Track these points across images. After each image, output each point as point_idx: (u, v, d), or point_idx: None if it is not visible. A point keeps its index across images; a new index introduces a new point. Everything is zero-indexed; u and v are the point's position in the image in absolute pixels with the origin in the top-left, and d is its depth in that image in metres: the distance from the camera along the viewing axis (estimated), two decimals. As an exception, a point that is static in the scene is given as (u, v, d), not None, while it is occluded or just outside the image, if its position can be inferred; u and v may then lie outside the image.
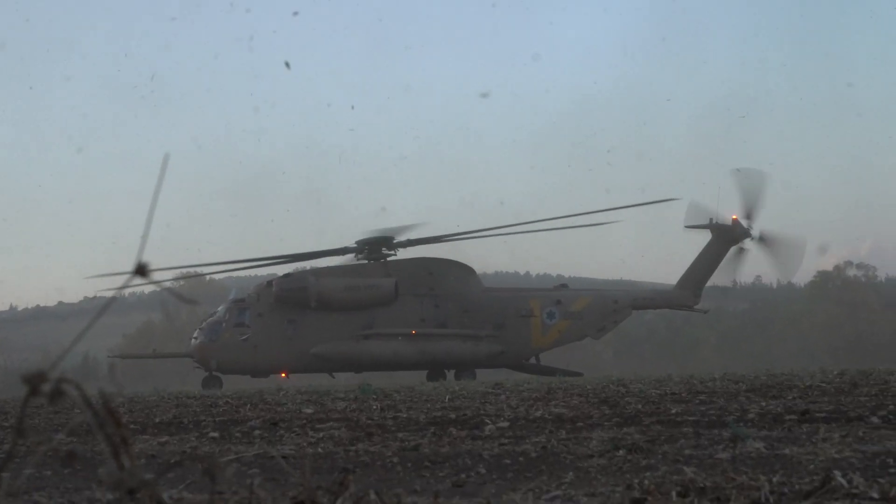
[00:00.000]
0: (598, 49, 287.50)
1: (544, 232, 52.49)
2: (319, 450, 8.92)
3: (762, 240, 51.63)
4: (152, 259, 2.51)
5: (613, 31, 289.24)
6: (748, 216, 51.43)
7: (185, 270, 54.84)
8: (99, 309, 2.71)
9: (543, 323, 51.75)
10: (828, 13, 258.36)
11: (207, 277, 70.84)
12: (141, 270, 2.40)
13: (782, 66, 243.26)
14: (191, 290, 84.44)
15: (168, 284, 48.30)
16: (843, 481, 5.39)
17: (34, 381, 2.29)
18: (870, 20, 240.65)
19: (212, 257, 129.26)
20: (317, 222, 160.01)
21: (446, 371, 51.08)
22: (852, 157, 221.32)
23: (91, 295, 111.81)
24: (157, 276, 2.58)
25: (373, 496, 3.11)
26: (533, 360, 52.19)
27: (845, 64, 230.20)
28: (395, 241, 51.79)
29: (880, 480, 5.58)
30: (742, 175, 51.84)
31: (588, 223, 51.62)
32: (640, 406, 13.35)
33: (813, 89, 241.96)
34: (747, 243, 51.67)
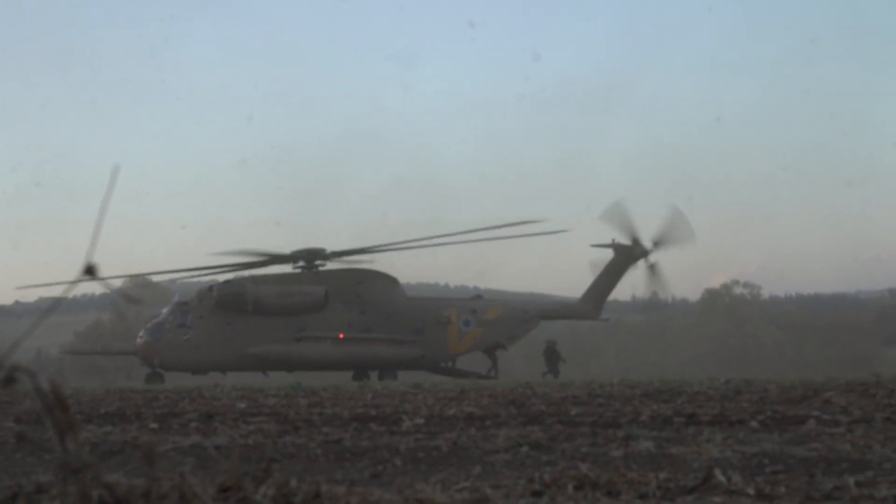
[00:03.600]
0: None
1: (460, 245, 52.38)
2: (250, 441, 8.88)
3: (653, 264, 51.99)
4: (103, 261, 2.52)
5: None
6: (637, 239, 51.80)
7: (135, 278, 54.14)
8: (50, 305, 2.70)
9: (460, 330, 51.86)
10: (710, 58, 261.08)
11: (153, 280, 69.88)
12: (90, 270, 2.40)
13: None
14: (137, 292, 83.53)
15: (116, 284, 47.94)
16: (724, 479, 5.46)
17: (-14, 370, 2.29)
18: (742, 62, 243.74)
19: (160, 265, 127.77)
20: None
21: (370, 372, 51.04)
22: (744, 194, 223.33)
23: (47, 295, 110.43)
24: (105, 278, 2.58)
25: (294, 483, 3.12)
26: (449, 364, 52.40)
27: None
28: (327, 253, 51.79)
29: (757, 479, 5.66)
30: (619, 206, 52.30)
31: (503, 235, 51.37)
32: (543, 407, 13.40)
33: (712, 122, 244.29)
34: (651, 258, 51.94)
